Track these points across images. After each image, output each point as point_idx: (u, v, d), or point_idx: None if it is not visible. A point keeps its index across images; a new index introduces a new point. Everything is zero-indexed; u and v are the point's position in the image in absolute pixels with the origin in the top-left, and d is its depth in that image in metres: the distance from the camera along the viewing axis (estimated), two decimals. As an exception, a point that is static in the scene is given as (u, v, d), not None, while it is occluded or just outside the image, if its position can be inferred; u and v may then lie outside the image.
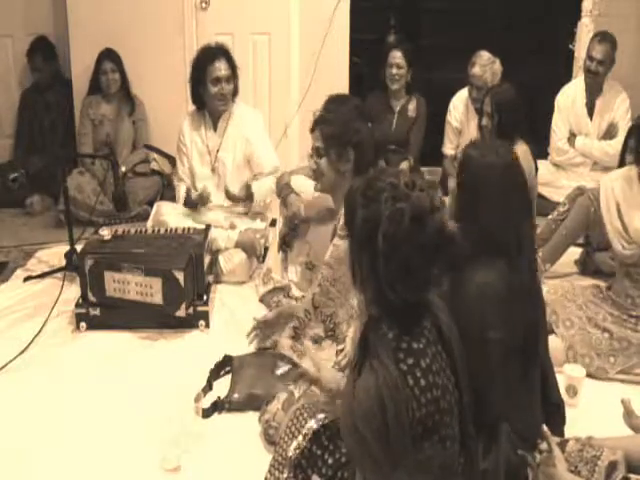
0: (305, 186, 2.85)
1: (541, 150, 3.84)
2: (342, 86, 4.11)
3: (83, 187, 3.89)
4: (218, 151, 3.27)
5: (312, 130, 2.41)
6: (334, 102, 2.44)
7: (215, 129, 3.28)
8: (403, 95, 4.11)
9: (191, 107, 3.41)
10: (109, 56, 4.11)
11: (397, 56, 4.03)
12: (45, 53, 4.44)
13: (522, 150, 3.06)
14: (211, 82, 3.16)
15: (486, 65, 3.86)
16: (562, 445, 1.75)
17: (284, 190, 2.94)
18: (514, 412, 1.68)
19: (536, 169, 3.18)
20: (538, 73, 4.47)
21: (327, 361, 2.11)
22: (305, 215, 2.81)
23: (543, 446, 1.62)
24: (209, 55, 3.17)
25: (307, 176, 2.98)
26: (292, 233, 2.87)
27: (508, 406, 1.66)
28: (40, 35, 4.53)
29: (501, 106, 3.07)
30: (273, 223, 3.19)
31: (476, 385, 1.49)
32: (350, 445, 1.42)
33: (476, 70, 3.87)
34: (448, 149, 4.18)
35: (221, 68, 3.15)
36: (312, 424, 1.76)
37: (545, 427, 1.63)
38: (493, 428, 1.64)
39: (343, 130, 2.31)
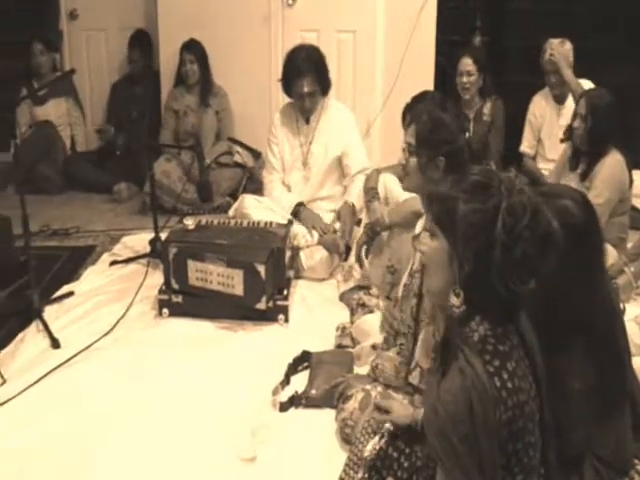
0: (393, 185, 2.83)
1: (637, 160, 3.69)
2: (427, 87, 4.04)
3: (170, 173, 3.99)
4: (310, 144, 3.29)
5: (408, 124, 2.36)
6: (435, 103, 2.39)
7: (307, 122, 3.30)
8: (477, 102, 4.01)
9: (275, 101, 3.45)
10: (189, 47, 4.19)
11: (467, 63, 3.88)
12: (143, 46, 4.59)
13: (616, 160, 2.95)
14: (295, 95, 3.20)
15: (555, 48, 3.74)
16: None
17: (369, 194, 2.93)
18: (600, 440, 1.61)
19: (631, 181, 3.06)
20: (635, 78, 4.28)
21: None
22: (389, 221, 2.78)
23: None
24: (294, 70, 3.19)
25: (396, 175, 2.97)
26: (370, 243, 2.85)
27: (592, 435, 1.60)
28: (139, 28, 4.68)
29: (596, 110, 2.95)
30: (358, 223, 3.18)
31: (555, 414, 1.45)
32: (435, 448, 1.40)
33: (546, 55, 3.76)
34: (526, 147, 4.07)
35: (304, 85, 3.17)
36: (388, 426, 1.74)
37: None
38: (577, 459, 1.59)
39: (439, 137, 2.23)
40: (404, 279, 2.24)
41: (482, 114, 4.00)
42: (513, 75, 4.42)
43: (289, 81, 3.21)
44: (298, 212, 3.23)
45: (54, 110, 4.64)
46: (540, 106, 4.02)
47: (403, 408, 1.79)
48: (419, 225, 2.53)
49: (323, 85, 3.23)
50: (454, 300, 1.33)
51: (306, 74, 3.16)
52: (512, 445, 1.30)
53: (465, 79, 3.91)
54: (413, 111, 2.40)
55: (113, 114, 4.74)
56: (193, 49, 4.18)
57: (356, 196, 3.21)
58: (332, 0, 4.24)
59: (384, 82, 4.27)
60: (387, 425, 1.74)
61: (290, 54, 3.26)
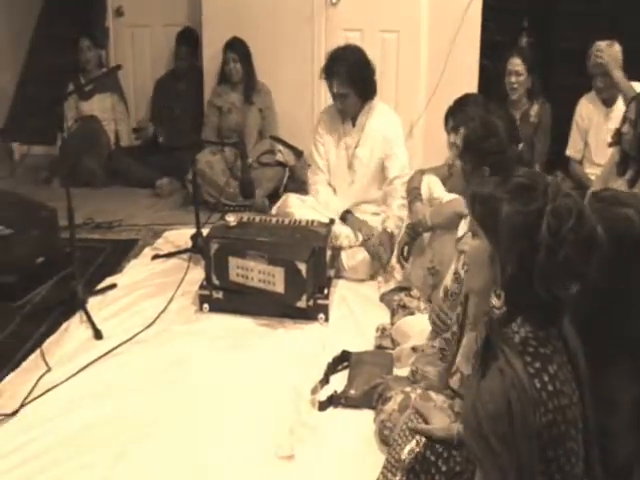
0: (436, 187, 2.81)
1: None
2: (471, 89, 4.01)
3: (213, 164, 4.03)
4: (356, 147, 3.27)
5: (455, 127, 2.32)
6: (479, 106, 2.35)
7: (354, 124, 3.29)
8: (524, 103, 3.95)
9: (318, 100, 3.45)
10: (232, 46, 4.20)
11: (516, 63, 3.82)
12: (189, 43, 4.64)
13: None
14: (330, 94, 3.19)
15: (603, 50, 3.64)
16: None
17: (411, 194, 2.90)
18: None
19: (683, 193, 2.97)
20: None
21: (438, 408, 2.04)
22: (431, 222, 2.75)
23: None
24: (325, 70, 3.19)
25: (439, 176, 2.95)
26: (412, 243, 2.83)
27: None
28: (187, 26, 4.73)
29: None
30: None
31: (601, 424, 1.42)
32: (473, 448, 1.39)
33: (593, 58, 3.68)
34: (572, 151, 4.00)
35: (333, 86, 3.16)
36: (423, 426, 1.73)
37: None
38: (625, 471, 1.55)
39: (488, 146, 2.16)
40: (448, 284, 2.22)
41: (529, 116, 3.93)
42: (561, 77, 4.33)
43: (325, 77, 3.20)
44: (345, 219, 3.21)
45: (99, 105, 4.71)
46: (587, 109, 3.95)
47: (441, 419, 1.77)
48: (462, 227, 2.51)
49: (359, 88, 3.16)
50: (495, 301, 1.32)
51: (335, 75, 3.14)
52: (553, 450, 1.28)
53: (513, 79, 3.85)
54: (463, 114, 2.35)
55: (156, 110, 4.80)
56: (236, 48, 4.20)
57: (396, 207, 3.18)
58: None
59: (427, 83, 4.24)
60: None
61: (328, 54, 3.25)
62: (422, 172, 3.07)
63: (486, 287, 1.36)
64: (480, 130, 2.21)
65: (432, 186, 2.94)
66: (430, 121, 4.15)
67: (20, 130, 4.84)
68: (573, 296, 1.31)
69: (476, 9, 4.14)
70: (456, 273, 2.15)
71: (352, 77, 3.14)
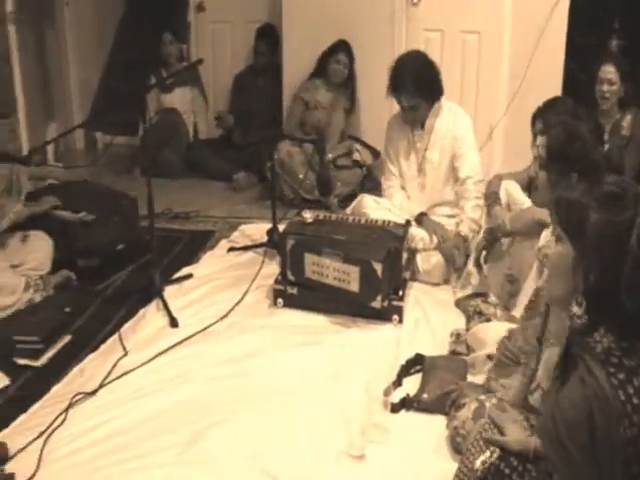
0: (516, 192, 2.75)
1: None
2: (554, 93, 3.89)
3: (293, 155, 4.04)
4: (426, 150, 3.23)
5: (539, 133, 2.26)
6: (568, 111, 2.28)
7: (423, 127, 3.25)
8: (616, 113, 3.74)
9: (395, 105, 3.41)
10: (346, 49, 4.19)
11: (609, 71, 3.57)
12: (269, 39, 4.68)
13: None
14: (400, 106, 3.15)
15: None
16: None
17: (490, 198, 2.84)
18: None
19: None
20: None
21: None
22: (510, 228, 2.68)
23: None
24: (392, 85, 3.14)
25: (518, 182, 2.89)
26: (490, 247, 2.77)
27: None
28: (267, 22, 4.79)
29: None
30: (479, 231, 3.07)
31: None
32: (552, 457, 1.36)
33: None
34: None
35: (402, 101, 3.13)
36: (499, 437, 1.69)
37: None
38: None
39: (573, 151, 2.10)
40: (528, 294, 2.17)
41: (620, 127, 3.66)
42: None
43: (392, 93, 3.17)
44: (420, 221, 3.17)
45: (179, 98, 4.81)
46: None
47: (517, 431, 1.72)
48: (543, 236, 2.45)
49: (427, 95, 3.12)
50: (576, 309, 1.30)
51: (402, 90, 3.10)
52: (638, 466, 1.24)
53: (605, 88, 3.62)
54: (545, 120, 2.28)
55: (235, 105, 4.87)
56: (345, 51, 4.18)
57: (469, 209, 3.12)
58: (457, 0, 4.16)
59: (509, 85, 4.14)
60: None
61: (392, 65, 3.18)
62: (500, 177, 3.00)
63: (567, 295, 1.34)
64: (563, 136, 2.15)
65: (511, 191, 2.88)
66: (510, 125, 4.07)
67: (104, 121, 5.00)
68: None
69: (563, 9, 4.01)
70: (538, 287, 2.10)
71: (419, 87, 3.08)
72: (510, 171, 3.10)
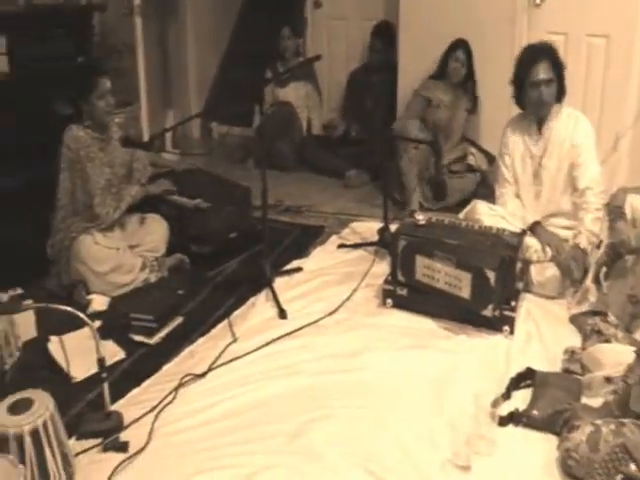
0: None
1: None
2: (690, 104, 3.71)
3: (411, 166, 3.99)
4: (542, 157, 3.11)
5: None
6: None
7: (540, 131, 3.14)
8: None
9: (516, 106, 3.31)
10: (464, 47, 4.12)
11: None
12: (385, 37, 4.67)
13: None
14: (529, 85, 3.03)
15: None
16: None
17: (614, 212, 2.72)
18: None
19: None
20: None
21: None
22: (636, 244, 2.56)
23: None
24: (530, 57, 3.02)
25: (645, 196, 2.75)
26: (611, 264, 2.65)
27: None
28: (384, 20, 4.78)
29: None
30: (599, 245, 2.95)
31: None
32: None
33: None
34: None
35: (540, 72, 2.97)
36: (633, 467, 1.62)
37: None
38: None
39: None
40: None
41: None
42: None
43: (524, 72, 3.03)
44: (534, 230, 3.06)
45: (294, 93, 4.87)
46: None
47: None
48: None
49: (559, 79, 3.01)
50: None
51: (542, 59, 2.97)
52: None
53: None
54: None
55: (348, 102, 4.88)
56: (465, 49, 4.10)
57: (589, 221, 2.97)
58: (584, 1, 3.97)
59: (638, 94, 3.94)
60: (631, 467, 1.63)
61: (523, 48, 3.12)
62: (626, 190, 2.86)
63: None
64: None
65: (637, 206, 2.74)
66: (638, 136, 3.86)
67: (220, 111, 5.16)
68: None
69: None
70: None
71: (556, 64, 3.00)
72: (636, 185, 2.96)
